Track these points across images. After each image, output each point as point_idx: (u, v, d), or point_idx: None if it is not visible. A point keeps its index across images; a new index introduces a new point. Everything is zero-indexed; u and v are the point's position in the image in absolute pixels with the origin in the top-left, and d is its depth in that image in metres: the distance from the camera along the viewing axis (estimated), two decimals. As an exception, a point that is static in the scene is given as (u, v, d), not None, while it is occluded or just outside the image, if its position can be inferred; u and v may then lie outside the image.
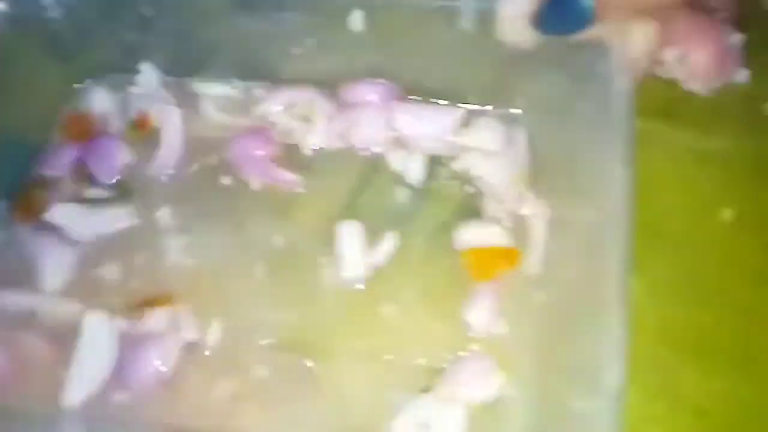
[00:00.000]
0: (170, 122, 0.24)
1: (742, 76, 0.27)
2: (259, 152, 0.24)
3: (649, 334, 0.19)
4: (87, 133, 0.24)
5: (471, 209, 0.23)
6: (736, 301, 0.22)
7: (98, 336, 0.20)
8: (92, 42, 0.25)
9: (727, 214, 0.23)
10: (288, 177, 0.24)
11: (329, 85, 0.25)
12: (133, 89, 0.25)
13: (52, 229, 0.22)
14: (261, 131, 0.25)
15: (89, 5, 0.24)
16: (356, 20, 0.24)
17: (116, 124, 0.25)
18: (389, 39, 0.24)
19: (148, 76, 0.25)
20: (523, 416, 0.19)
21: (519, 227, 0.22)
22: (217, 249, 0.22)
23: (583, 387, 0.17)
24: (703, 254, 0.23)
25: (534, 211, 0.22)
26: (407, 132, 0.24)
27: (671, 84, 0.26)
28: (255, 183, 0.24)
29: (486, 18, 0.22)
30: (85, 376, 0.19)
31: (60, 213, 0.23)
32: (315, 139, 0.25)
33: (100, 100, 0.25)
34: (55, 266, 0.22)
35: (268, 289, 0.22)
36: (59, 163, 0.24)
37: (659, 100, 0.26)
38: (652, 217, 0.22)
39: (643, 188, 0.21)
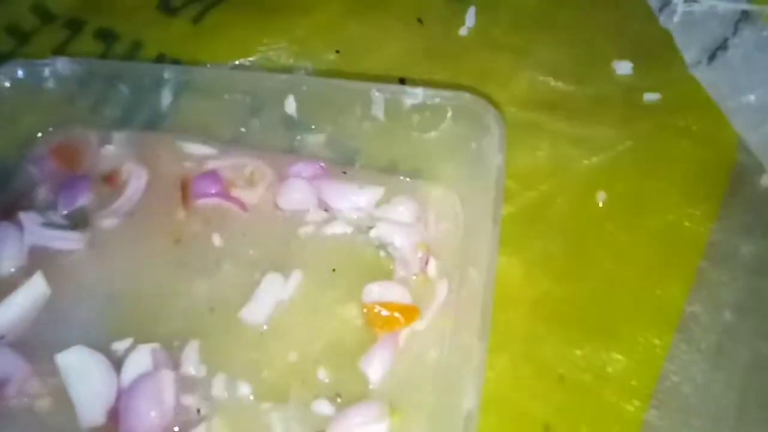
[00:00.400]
0: (137, 179, 0.28)
1: (625, 68, 0.31)
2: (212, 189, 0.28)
3: (522, 308, 0.21)
4: (70, 170, 0.29)
5: (383, 271, 0.26)
6: (602, 276, 0.25)
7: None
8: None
9: (602, 197, 0.27)
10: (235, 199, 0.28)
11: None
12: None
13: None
14: (213, 175, 0.28)
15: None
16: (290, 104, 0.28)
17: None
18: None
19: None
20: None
21: (423, 289, 0.25)
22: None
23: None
24: (578, 234, 0.27)
25: (435, 274, 0.25)
26: (333, 204, 0.27)
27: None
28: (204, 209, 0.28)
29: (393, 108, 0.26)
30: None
31: (25, 218, 0.27)
32: (253, 198, 0.28)
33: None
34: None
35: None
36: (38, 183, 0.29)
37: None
38: (533, 200, 0.26)
39: (524, 174, 0.24)
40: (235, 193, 0.28)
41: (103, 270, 0.26)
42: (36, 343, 0.24)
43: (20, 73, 0.28)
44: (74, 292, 0.26)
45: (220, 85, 0.29)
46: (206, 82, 0.29)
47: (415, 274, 0.25)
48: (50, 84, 0.29)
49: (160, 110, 0.30)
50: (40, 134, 0.30)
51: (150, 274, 0.26)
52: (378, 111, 0.26)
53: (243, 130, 0.29)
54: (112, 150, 0.29)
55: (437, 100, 0.25)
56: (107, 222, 0.27)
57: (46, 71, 0.29)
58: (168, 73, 0.29)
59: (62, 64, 0.29)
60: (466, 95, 0.25)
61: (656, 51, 0.32)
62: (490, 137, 0.24)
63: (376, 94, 0.26)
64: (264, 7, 0.35)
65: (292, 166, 0.29)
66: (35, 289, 0.25)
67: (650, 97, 0.30)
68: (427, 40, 0.33)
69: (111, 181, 0.28)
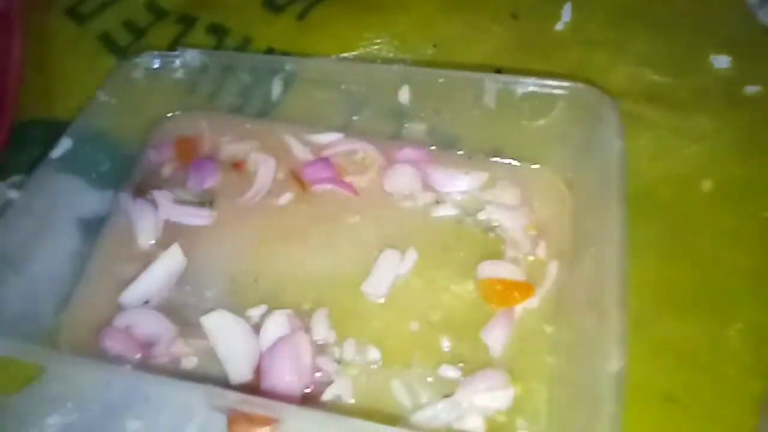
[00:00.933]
0: (266, 168, 0.30)
1: (723, 62, 0.32)
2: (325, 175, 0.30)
3: (632, 289, 0.22)
4: (192, 153, 0.31)
5: (493, 251, 0.27)
6: (712, 259, 0.26)
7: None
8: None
9: (707, 185, 0.28)
10: (347, 185, 0.30)
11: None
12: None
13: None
14: (325, 161, 0.30)
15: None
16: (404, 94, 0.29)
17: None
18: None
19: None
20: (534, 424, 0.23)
21: (533, 268, 0.26)
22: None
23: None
24: (684, 219, 0.27)
25: (545, 255, 0.27)
26: (439, 187, 0.29)
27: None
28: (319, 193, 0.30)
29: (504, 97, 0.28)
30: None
31: (159, 196, 0.29)
32: (363, 182, 0.30)
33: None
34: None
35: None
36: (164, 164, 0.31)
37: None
38: (637, 188, 0.26)
39: (634, 162, 0.26)
40: (347, 178, 0.31)
41: (232, 244, 0.28)
42: (177, 308, 0.27)
43: (156, 63, 0.31)
44: (207, 263, 0.28)
45: (333, 76, 0.31)
46: (321, 73, 0.31)
47: (525, 255, 0.27)
48: (178, 74, 0.32)
49: (271, 99, 0.32)
50: (168, 115, 0.33)
51: (274, 250, 0.28)
52: (489, 100, 0.28)
53: (355, 118, 0.31)
54: (231, 137, 0.32)
55: (550, 89, 0.27)
56: (235, 202, 0.29)
57: (177, 62, 0.31)
58: (289, 64, 0.31)
59: (191, 55, 0.31)
60: (580, 85, 0.26)
61: (755, 46, 0.32)
62: (605, 124, 0.25)
63: (490, 83, 0.28)
64: (364, 4, 0.37)
65: (399, 152, 0.31)
66: (173, 259, 0.27)
67: (751, 89, 0.31)
68: (522, 34, 0.35)
69: (238, 167, 0.31)
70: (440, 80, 0.28)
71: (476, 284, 0.26)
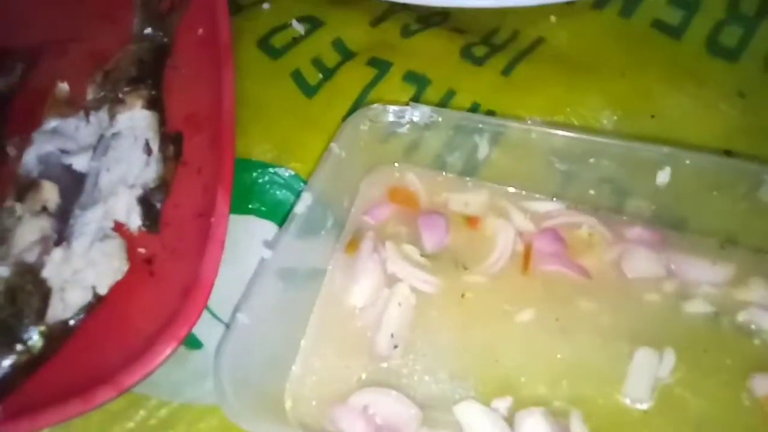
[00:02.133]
0: (505, 234, 0.28)
1: None
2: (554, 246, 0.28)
3: None
4: (413, 206, 0.30)
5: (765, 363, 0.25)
6: None
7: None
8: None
9: None
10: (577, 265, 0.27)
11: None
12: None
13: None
14: (555, 235, 0.28)
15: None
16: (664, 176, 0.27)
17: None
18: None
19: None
20: None
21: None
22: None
23: None
24: None
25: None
26: (683, 276, 0.27)
27: None
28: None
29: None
30: None
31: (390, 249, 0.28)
32: (594, 262, 0.28)
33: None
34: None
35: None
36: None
37: None
38: None
39: None
40: (575, 256, 0.28)
41: (463, 319, 0.26)
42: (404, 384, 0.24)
43: (390, 116, 0.29)
44: (435, 332, 0.26)
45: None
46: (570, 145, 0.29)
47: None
48: (403, 129, 0.30)
49: (477, 158, 0.31)
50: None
51: (509, 328, 0.26)
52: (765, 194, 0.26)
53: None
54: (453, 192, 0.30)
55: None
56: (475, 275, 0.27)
57: (406, 116, 0.30)
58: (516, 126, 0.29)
59: (422, 111, 0.29)
60: None
61: None
62: None
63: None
64: (573, 64, 0.35)
65: (629, 229, 0.29)
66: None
67: None
68: (750, 114, 0.33)
69: (472, 224, 0.29)
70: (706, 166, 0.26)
71: (753, 401, 0.23)
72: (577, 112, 0.33)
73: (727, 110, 0.33)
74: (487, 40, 0.37)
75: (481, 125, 0.30)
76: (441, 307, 0.26)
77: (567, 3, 0.35)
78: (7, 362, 0.22)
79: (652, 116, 0.33)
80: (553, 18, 0.37)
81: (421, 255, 0.28)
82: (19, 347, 0.22)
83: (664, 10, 0.36)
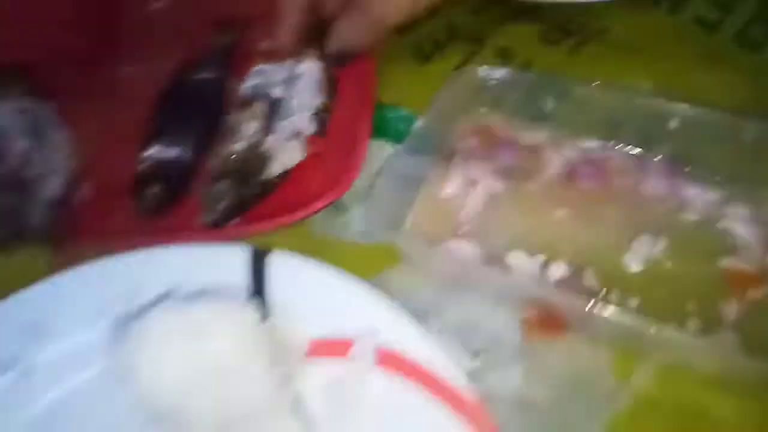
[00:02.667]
0: (557, 159, 0.40)
1: None
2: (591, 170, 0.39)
3: None
4: (492, 136, 0.42)
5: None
6: None
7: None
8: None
9: None
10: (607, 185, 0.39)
11: None
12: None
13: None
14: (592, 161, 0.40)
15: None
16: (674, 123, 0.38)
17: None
18: None
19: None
20: None
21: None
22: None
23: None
24: None
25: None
26: (683, 196, 0.38)
27: None
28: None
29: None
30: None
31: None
32: (621, 183, 0.39)
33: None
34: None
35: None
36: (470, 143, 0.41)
37: None
38: None
39: None
40: (607, 179, 0.40)
41: (518, 211, 0.39)
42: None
43: (480, 74, 0.42)
44: (499, 218, 0.39)
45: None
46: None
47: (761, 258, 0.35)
48: (491, 84, 0.43)
49: (544, 111, 0.43)
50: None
51: (550, 222, 0.38)
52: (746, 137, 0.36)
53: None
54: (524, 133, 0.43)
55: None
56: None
57: (493, 75, 0.42)
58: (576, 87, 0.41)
59: (505, 72, 0.42)
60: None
61: None
62: None
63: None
64: (627, 49, 0.46)
65: (649, 163, 0.40)
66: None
67: None
68: (762, 91, 0.42)
69: (534, 151, 0.41)
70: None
71: (718, 270, 0.34)
72: (623, 82, 0.45)
73: (741, 85, 0.43)
74: (560, 29, 0.49)
75: (548, 85, 0.42)
76: (504, 203, 0.39)
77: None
78: (247, 192, 0.37)
79: (683, 88, 0.44)
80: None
81: (494, 170, 0.40)
82: (252, 186, 0.38)
83: (705, 8, 0.47)
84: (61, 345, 0.32)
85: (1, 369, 0.30)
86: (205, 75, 0.44)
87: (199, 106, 0.43)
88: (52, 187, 0.40)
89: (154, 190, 0.39)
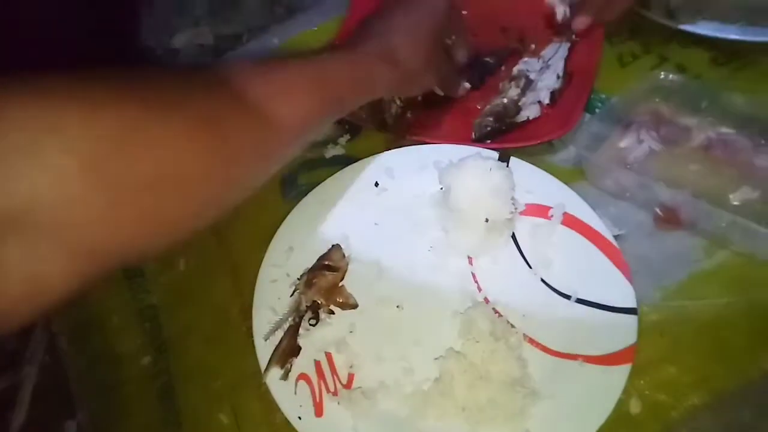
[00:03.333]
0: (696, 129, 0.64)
1: None
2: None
3: None
4: (660, 117, 0.67)
5: None
6: None
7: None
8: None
9: None
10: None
11: None
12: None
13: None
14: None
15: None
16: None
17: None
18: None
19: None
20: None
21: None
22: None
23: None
24: None
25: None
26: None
27: None
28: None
29: None
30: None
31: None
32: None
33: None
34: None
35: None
36: (643, 119, 0.68)
37: None
38: None
39: None
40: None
41: (663, 160, 0.64)
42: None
43: (654, 77, 0.68)
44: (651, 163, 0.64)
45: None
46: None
47: None
48: (662, 83, 0.68)
49: (700, 106, 0.67)
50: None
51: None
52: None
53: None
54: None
55: None
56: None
57: (662, 76, 0.68)
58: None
59: (671, 76, 0.67)
60: None
61: None
62: None
63: None
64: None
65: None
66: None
67: None
68: None
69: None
70: None
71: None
72: (758, 96, 0.66)
73: None
74: (725, 56, 0.72)
75: (704, 91, 0.66)
76: (658, 156, 0.64)
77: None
78: (502, 126, 0.68)
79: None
80: None
81: (656, 137, 0.65)
82: (506, 123, 0.68)
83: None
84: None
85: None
86: (490, 59, 0.76)
87: (484, 72, 0.75)
88: (395, 107, 0.74)
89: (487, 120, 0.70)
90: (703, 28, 0.71)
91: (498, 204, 0.59)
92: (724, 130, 0.64)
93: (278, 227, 0.62)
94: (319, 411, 0.52)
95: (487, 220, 0.58)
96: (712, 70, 0.71)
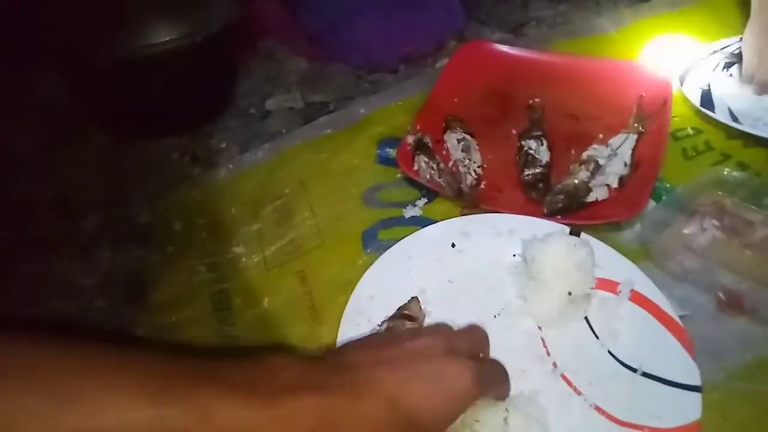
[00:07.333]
0: None
1: None
2: None
3: None
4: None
5: None
6: None
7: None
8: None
9: None
10: None
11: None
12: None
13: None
14: None
15: None
16: None
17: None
18: None
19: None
20: None
21: None
22: None
23: None
24: None
25: None
26: None
27: None
28: None
29: None
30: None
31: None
32: None
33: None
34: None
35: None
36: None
37: None
38: None
39: None
40: None
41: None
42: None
43: (724, 172, 0.73)
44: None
45: None
46: None
47: None
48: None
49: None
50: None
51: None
52: None
53: None
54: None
55: None
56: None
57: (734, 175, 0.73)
58: None
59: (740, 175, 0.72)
60: None
61: None
62: None
63: None
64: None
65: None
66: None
67: None
68: None
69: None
70: None
71: None
72: None
73: None
74: None
75: (765, 188, 0.71)
76: (720, 244, 0.68)
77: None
78: (572, 204, 0.74)
79: None
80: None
81: (719, 227, 0.70)
82: (576, 202, 0.74)
83: None
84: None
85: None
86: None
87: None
88: (471, 178, 0.81)
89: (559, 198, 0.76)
90: (764, 131, 0.77)
91: (581, 278, 0.63)
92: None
93: (359, 278, 0.68)
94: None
95: (570, 293, 0.62)
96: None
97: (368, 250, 0.75)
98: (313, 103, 1.03)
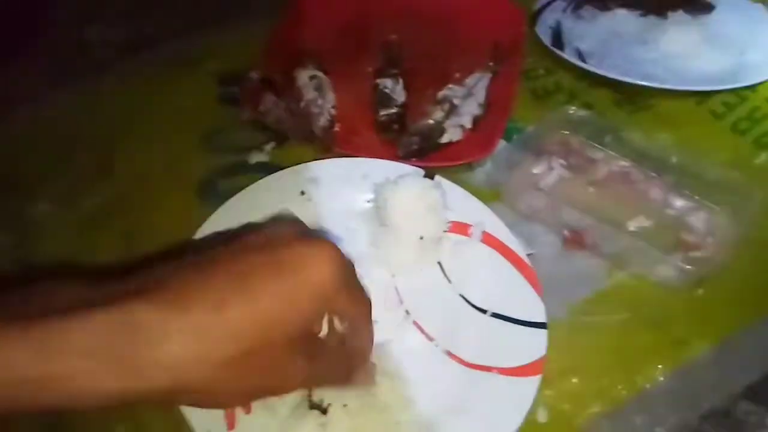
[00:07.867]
0: None
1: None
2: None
3: None
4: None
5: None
6: None
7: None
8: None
9: None
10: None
11: None
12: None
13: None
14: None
15: None
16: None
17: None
18: None
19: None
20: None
21: None
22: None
23: None
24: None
25: None
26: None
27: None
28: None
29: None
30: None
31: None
32: None
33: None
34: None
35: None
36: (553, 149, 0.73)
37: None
38: None
39: None
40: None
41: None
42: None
43: (570, 112, 0.74)
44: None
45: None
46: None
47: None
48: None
49: None
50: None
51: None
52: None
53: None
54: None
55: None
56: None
57: (579, 114, 0.74)
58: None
59: (585, 114, 0.73)
60: None
61: None
62: None
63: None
64: (665, 117, 0.76)
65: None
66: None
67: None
68: None
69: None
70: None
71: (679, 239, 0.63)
72: (653, 135, 0.74)
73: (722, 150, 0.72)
74: (627, 99, 0.80)
75: (608, 127, 0.73)
76: (566, 183, 0.69)
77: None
78: (426, 146, 0.71)
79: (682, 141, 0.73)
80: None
81: (565, 165, 0.71)
82: (430, 143, 0.70)
83: (717, 105, 0.76)
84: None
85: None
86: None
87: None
88: (324, 120, 0.74)
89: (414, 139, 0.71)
90: (608, 71, 0.79)
91: (433, 222, 0.60)
92: (624, 163, 0.71)
93: (194, 232, 0.59)
94: (231, 424, 0.49)
95: (421, 238, 0.59)
96: (615, 110, 0.79)
97: (206, 201, 0.66)
98: (140, 33, 0.89)
